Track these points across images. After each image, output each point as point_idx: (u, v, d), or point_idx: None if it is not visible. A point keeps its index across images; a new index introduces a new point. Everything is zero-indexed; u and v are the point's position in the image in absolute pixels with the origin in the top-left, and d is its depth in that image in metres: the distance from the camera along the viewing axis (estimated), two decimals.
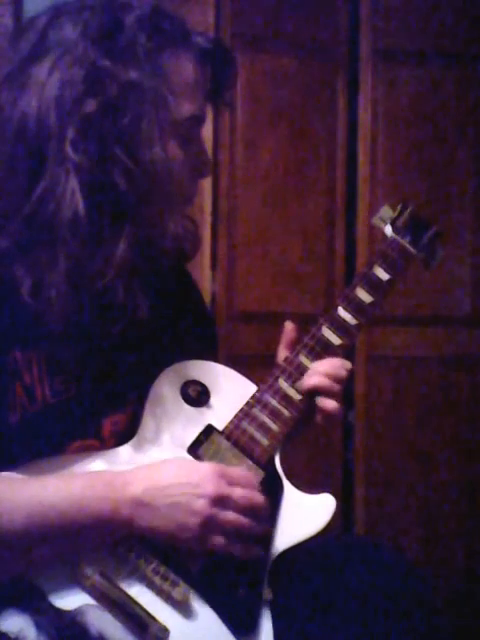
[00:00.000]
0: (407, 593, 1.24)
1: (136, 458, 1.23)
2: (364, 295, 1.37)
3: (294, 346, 1.35)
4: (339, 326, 1.34)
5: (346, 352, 1.35)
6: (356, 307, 1.36)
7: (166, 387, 1.29)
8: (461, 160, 2.81)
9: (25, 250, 1.19)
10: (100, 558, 1.16)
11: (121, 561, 1.17)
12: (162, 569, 1.18)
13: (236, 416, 1.29)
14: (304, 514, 1.26)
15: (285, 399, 1.30)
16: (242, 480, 1.21)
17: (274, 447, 1.28)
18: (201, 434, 1.27)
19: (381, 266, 1.38)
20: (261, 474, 1.25)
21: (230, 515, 1.17)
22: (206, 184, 2.50)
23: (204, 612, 1.18)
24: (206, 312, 1.54)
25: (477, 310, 2.81)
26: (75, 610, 1.13)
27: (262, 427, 1.28)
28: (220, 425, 1.28)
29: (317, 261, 2.74)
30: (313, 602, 1.23)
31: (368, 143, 2.77)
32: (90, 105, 1.15)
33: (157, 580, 1.17)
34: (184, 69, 1.22)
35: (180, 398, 1.29)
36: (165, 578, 1.17)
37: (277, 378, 1.31)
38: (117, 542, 1.17)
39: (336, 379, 1.30)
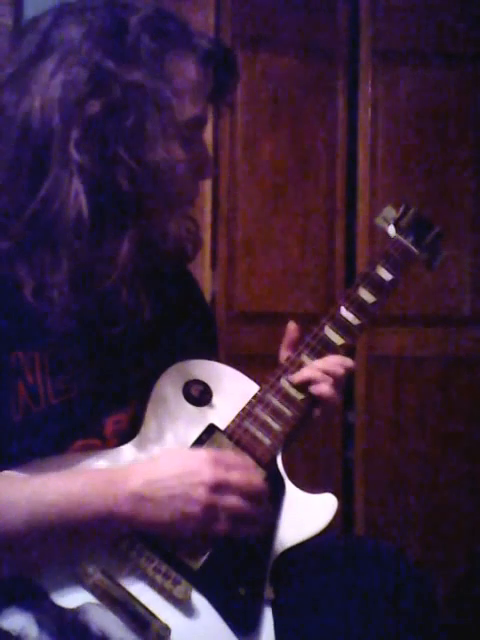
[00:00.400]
0: (407, 593, 1.23)
1: (138, 457, 1.23)
2: (367, 295, 1.37)
3: (296, 346, 1.36)
4: (341, 326, 1.35)
5: (348, 352, 1.35)
6: (358, 307, 1.36)
7: (168, 386, 1.29)
8: (461, 160, 2.81)
9: (28, 250, 1.19)
10: (102, 556, 1.16)
11: (123, 559, 1.17)
12: (164, 567, 1.17)
13: (238, 415, 1.29)
14: (306, 514, 1.26)
15: (287, 398, 1.31)
16: (239, 464, 1.20)
17: (276, 447, 1.29)
18: (203, 433, 1.27)
19: (384, 266, 1.39)
20: (263, 474, 1.25)
21: (230, 499, 1.16)
22: (206, 184, 2.50)
23: (206, 611, 1.17)
24: (208, 312, 1.54)
25: (477, 310, 2.81)
26: (77, 608, 1.12)
27: (264, 426, 1.28)
28: (222, 424, 1.29)
29: (317, 261, 2.74)
30: (314, 602, 1.23)
31: (368, 143, 2.77)
32: (94, 106, 1.15)
33: (159, 578, 1.16)
34: (187, 71, 1.22)
35: (182, 397, 1.30)
36: (167, 576, 1.17)
37: (279, 378, 1.32)
38: (118, 540, 1.17)
39: (331, 374, 1.31)
